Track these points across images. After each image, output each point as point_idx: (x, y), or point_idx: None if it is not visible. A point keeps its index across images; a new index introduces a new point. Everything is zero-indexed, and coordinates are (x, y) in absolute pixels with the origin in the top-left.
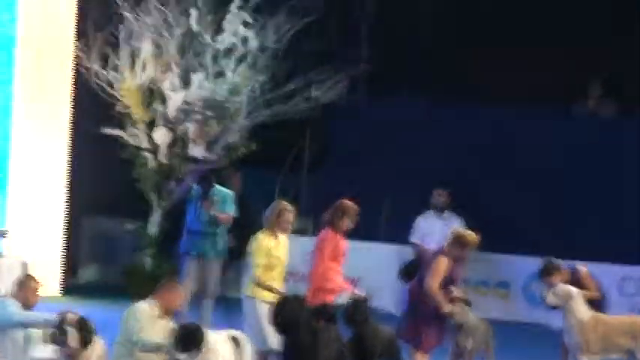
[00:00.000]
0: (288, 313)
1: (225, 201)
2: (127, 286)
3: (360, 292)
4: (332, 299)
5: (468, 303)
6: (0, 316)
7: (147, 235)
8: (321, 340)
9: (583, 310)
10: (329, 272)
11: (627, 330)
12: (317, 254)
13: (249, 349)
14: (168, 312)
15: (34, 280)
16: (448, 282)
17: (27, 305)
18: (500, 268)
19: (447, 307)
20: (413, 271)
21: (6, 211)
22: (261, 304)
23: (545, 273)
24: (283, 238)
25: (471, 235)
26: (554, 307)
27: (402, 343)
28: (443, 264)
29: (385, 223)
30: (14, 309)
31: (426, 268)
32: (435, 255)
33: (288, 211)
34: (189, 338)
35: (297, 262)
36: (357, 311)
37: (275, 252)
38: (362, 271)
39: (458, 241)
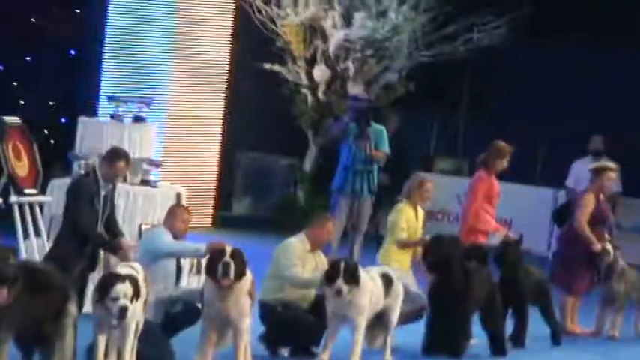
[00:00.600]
0: (441, 252)
1: (380, 139)
2: (280, 220)
3: (512, 234)
4: (484, 240)
5: (617, 248)
6: (152, 245)
7: (301, 171)
8: (472, 281)
9: None
10: (482, 213)
11: None
12: (470, 195)
13: (400, 287)
14: (317, 246)
15: (186, 210)
16: (598, 222)
17: (178, 235)
18: None
19: (597, 245)
20: (566, 214)
21: (162, 143)
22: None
23: None
24: (421, 211)
25: (605, 165)
26: None
27: (554, 287)
28: (588, 200)
29: (541, 166)
30: (166, 238)
31: (573, 209)
32: (581, 194)
33: (428, 182)
34: (350, 272)
35: (451, 203)
36: (509, 253)
37: (414, 224)
38: (515, 213)
39: (595, 172)
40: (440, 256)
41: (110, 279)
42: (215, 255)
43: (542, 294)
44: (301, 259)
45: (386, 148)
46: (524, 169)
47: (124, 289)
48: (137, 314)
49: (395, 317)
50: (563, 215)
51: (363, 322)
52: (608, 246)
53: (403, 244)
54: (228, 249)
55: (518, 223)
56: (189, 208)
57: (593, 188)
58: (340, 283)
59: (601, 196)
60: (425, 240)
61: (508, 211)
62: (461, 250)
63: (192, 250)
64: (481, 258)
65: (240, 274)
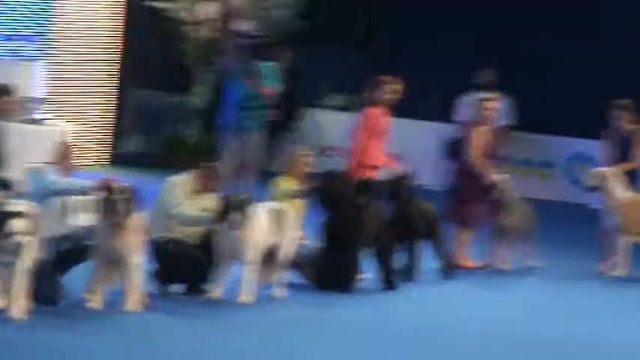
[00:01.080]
0: (333, 188)
1: (270, 75)
2: (170, 157)
3: (403, 169)
4: (374, 175)
5: (509, 181)
6: (41, 183)
7: (191, 108)
8: (363, 216)
9: (621, 191)
10: (370, 148)
11: None
12: (358, 130)
13: (290, 222)
14: (206, 190)
15: (73, 147)
16: (488, 154)
17: (66, 173)
18: (544, 148)
19: (491, 177)
20: (458, 149)
21: (53, 81)
22: None
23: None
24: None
25: (484, 96)
26: (592, 189)
27: (447, 221)
28: (477, 133)
29: (432, 100)
30: (53, 177)
31: (465, 143)
32: (469, 128)
33: (308, 156)
34: (244, 207)
35: (341, 139)
36: (400, 187)
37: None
38: (406, 148)
39: (476, 105)
40: (332, 192)
41: (4, 215)
42: (105, 192)
43: (434, 228)
44: (188, 196)
45: (276, 84)
46: (414, 104)
47: (18, 225)
48: (32, 251)
49: (286, 252)
50: (454, 149)
51: (253, 257)
52: (500, 178)
53: (293, 195)
54: (118, 186)
55: (409, 157)
56: (81, 146)
57: (477, 121)
58: (235, 216)
59: (488, 128)
60: (316, 178)
61: (398, 145)
62: (352, 186)
63: (81, 188)
64: (372, 193)
65: (130, 211)
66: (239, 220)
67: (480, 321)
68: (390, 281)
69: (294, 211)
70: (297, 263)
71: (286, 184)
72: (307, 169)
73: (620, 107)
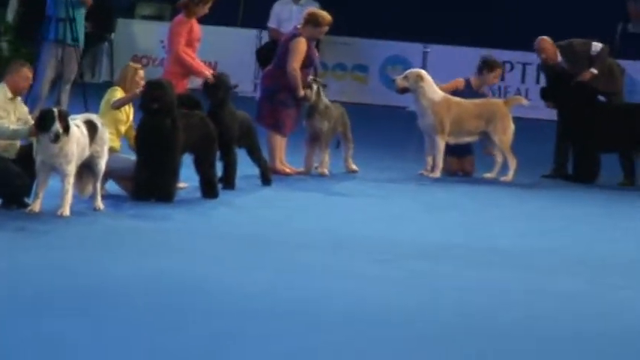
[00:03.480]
0: (164, 95)
1: None
2: None
3: (216, 75)
4: (187, 84)
5: (323, 86)
6: None
7: (4, 22)
8: (179, 125)
9: (434, 92)
10: (183, 57)
11: (480, 112)
12: (171, 39)
13: (106, 134)
14: (17, 93)
15: None
16: (305, 64)
17: None
18: (359, 51)
19: (301, 92)
20: (269, 54)
21: None
22: None
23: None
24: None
25: (325, 15)
26: (403, 92)
27: (261, 127)
28: (301, 44)
29: (243, 7)
30: None
31: (283, 51)
32: (292, 37)
33: (140, 69)
34: (64, 118)
35: (155, 48)
36: (212, 93)
37: (127, 110)
38: (220, 56)
39: (311, 20)
40: (164, 100)
41: None
42: None
43: (249, 135)
44: (5, 109)
45: None
46: (227, 12)
47: None
48: None
49: (102, 164)
50: (265, 55)
51: (72, 170)
52: (311, 92)
53: (118, 104)
54: None
55: (224, 65)
56: None
57: (305, 34)
58: (57, 127)
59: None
60: (141, 89)
61: (212, 54)
62: (172, 95)
63: None
64: (193, 102)
65: None
66: (59, 132)
67: (300, 227)
68: (210, 189)
69: (123, 120)
70: (116, 175)
71: (117, 95)
72: (139, 82)
73: (489, 65)
